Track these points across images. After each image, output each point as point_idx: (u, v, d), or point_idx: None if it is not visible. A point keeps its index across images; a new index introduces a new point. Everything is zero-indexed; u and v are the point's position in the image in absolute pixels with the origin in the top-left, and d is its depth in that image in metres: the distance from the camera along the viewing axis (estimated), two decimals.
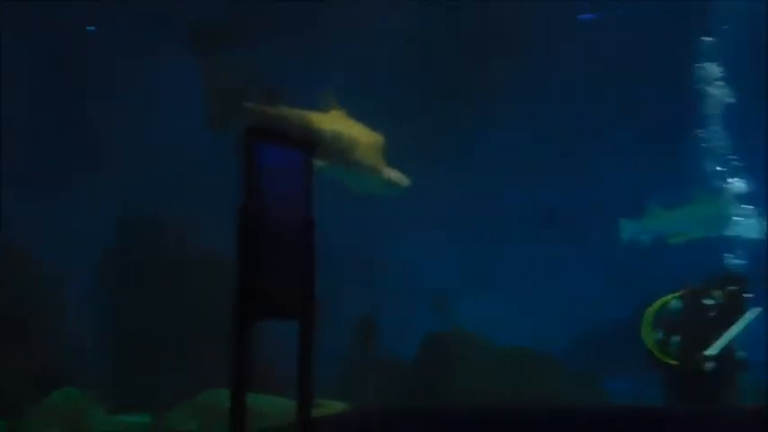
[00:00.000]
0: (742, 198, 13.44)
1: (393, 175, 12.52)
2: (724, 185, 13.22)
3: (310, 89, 12.67)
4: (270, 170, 4.89)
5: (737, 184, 13.23)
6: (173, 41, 13.80)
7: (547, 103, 15.02)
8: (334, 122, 12.14)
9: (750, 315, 10.51)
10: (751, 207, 13.37)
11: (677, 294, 10.96)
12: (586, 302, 14.75)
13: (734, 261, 11.74)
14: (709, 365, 10.38)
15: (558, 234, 15.19)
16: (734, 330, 10.45)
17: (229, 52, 12.67)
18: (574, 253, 15.05)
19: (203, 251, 12.55)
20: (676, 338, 10.76)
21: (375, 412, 9.83)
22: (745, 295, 10.84)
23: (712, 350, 10.36)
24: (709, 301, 10.80)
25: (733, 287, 10.83)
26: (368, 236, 14.70)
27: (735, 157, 13.15)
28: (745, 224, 13.28)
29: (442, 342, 13.06)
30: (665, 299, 10.94)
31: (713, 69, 13.26)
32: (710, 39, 13.17)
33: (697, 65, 13.26)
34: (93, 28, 15.30)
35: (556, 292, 14.86)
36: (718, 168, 13.15)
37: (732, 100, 13.21)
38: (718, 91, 13.25)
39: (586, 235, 14.96)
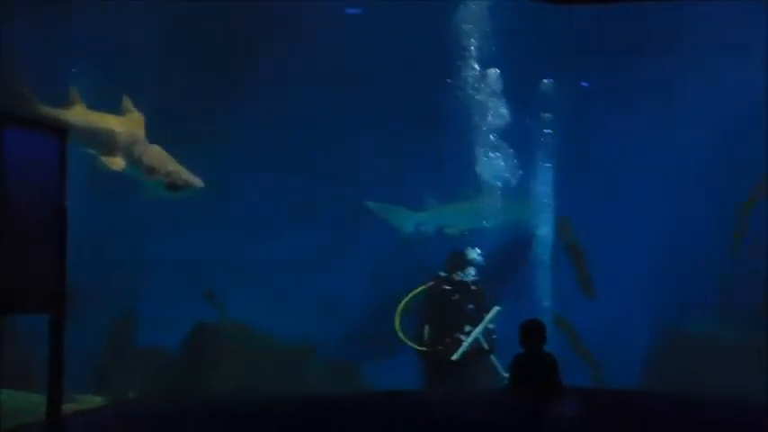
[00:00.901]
0: (509, 193, 14.28)
1: (185, 175, 12.53)
2: (493, 181, 13.90)
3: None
4: (16, 157, 4.68)
5: (506, 180, 13.96)
6: None
7: (314, 96, 15.12)
8: (125, 125, 12.25)
9: (491, 314, 11.07)
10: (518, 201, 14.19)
11: (426, 286, 11.39)
12: (350, 293, 15.13)
13: (478, 251, 12.24)
14: (459, 353, 10.85)
15: (324, 226, 15.41)
16: (476, 332, 10.98)
17: None
18: (339, 246, 15.35)
19: None
20: (427, 328, 11.18)
21: (132, 406, 9.64)
22: (487, 281, 11.47)
23: (456, 356, 10.83)
24: (454, 291, 11.30)
25: (475, 277, 11.42)
26: (132, 232, 14.40)
27: (499, 155, 13.85)
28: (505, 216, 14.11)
29: (209, 333, 12.92)
30: (415, 291, 11.35)
31: (476, 66, 13.88)
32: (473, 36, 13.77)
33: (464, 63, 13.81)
34: None
35: (321, 284, 15.12)
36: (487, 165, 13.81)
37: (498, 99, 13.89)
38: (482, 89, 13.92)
39: (352, 228, 15.29)
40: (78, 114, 11.90)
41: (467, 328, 11.09)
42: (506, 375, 11.10)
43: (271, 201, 14.60)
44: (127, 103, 12.41)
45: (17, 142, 4.72)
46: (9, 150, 4.66)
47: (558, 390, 7.10)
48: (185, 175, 12.46)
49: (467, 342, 10.92)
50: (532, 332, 7.16)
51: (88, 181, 12.52)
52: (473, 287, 11.39)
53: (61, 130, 5.24)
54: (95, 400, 10.63)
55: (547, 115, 14.36)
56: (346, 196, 15.41)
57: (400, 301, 11.41)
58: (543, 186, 14.46)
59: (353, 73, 15.01)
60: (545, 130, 14.38)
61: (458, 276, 11.41)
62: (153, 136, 12.68)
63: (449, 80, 13.69)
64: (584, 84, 15.97)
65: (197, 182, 12.54)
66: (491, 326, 11.24)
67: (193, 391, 11.78)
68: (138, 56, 13.45)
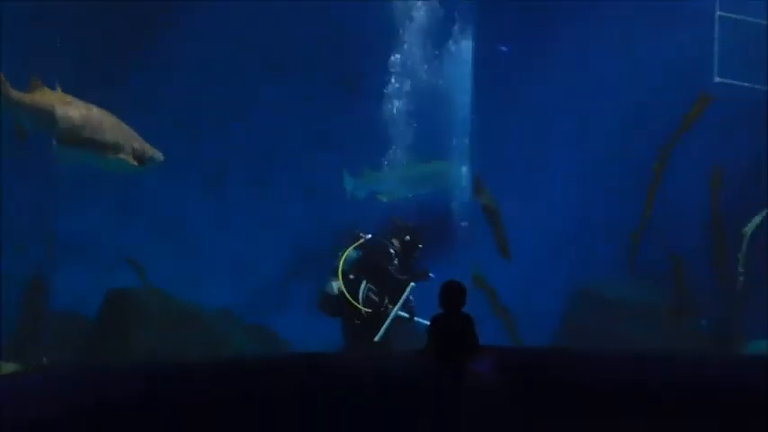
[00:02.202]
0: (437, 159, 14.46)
1: (149, 151, 12.16)
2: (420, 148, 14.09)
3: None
4: None
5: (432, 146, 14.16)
6: None
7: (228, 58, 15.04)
8: (74, 107, 11.70)
9: (408, 292, 11.16)
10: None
11: (357, 244, 11.43)
12: (266, 255, 15.18)
13: (409, 213, 12.37)
14: (380, 335, 10.91)
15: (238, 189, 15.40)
16: (393, 312, 11.06)
17: None
18: (254, 208, 15.36)
19: None
20: (364, 285, 11.22)
21: (46, 371, 9.50)
22: (419, 245, 11.54)
23: (378, 336, 10.91)
24: (389, 248, 11.38)
25: (407, 236, 11.49)
26: (47, 201, 14.19)
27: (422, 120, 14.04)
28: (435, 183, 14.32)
29: (125, 299, 12.75)
30: (349, 249, 11.36)
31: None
32: None
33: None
34: None
35: (236, 247, 15.14)
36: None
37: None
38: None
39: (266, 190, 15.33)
40: (42, 98, 11.54)
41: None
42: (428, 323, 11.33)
43: (186, 165, 14.46)
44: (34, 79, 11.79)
45: None
46: None
47: (474, 349, 7.18)
48: (149, 149, 12.15)
49: (386, 324, 10.99)
50: (452, 293, 7.22)
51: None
52: (406, 252, 11.48)
53: None
54: (8, 367, 10.47)
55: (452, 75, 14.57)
56: (261, 158, 15.40)
57: (333, 262, 11.38)
58: (463, 149, 14.69)
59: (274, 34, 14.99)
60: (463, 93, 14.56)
61: (394, 241, 11.47)
62: None
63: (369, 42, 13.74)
64: (502, 47, 16.12)
65: (159, 156, 12.24)
66: (411, 297, 11.35)
67: (109, 357, 11.64)
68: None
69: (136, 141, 12.00)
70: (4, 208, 12.74)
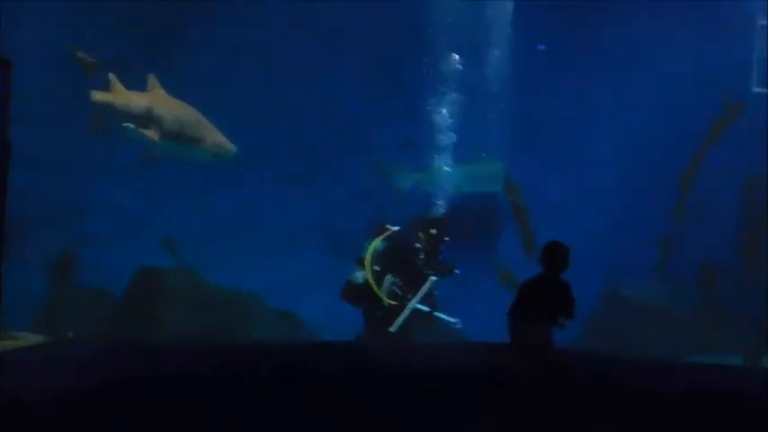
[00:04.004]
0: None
1: (221, 141, 13.12)
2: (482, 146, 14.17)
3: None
4: None
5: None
6: None
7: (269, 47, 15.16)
8: (158, 101, 12.87)
9: (427, 285, 11.16)
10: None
11: (385, 236, 11.45)
12: (299, 242, 15.27)
13: (438, 208, 12.37)
14: (397, 326, 10.93)
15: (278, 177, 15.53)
16: (411, 304, 11.07)
17: None
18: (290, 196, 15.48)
19: None
20: (389, 277, 11.25)
21: (71, 344, 9.65)
22: (445, 238, 11.53)
23: (394, 327, 10.93)
24: (416, 242, 11.40)
25: (433, 230, 11.50)
26: (80, 177, 14.42)
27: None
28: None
29: (153, 277, 12.85)
30: (376, 240, 11.39)
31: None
32: None
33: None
34: None
35: (270, 233, 15.25)
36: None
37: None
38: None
39: (304, 178, 15.44)
40: (122, 96, 12.71)
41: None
42: (455, 321, 11.35)
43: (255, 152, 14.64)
44: (152, 80, 12.95)
45: None
46: None
47: (567, 315, 6.80)
48: (226, 142, 13.13)
49: (403, 315, 11.01)
50: (555, 252, 6.97)
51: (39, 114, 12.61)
52: (432, 245, 11.47)
53: (2, 63, 5.15)
54: (35, 338, 10.61)
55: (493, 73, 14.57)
56: (301, 146, 15.49)
57: (359, 252, 11.42)
58: (502, 149, 14.72)
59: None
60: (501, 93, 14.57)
61: (421, 234, 11.48)
62: None
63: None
64: (539, 46, 16.06)
65: (233, 148, 13.18)
66: (435, 292, 11.35)
67: (134, 334, 11.76)
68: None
69: (216, 135, 13.01)
70: (36, 181, 13.01)
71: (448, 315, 11.31)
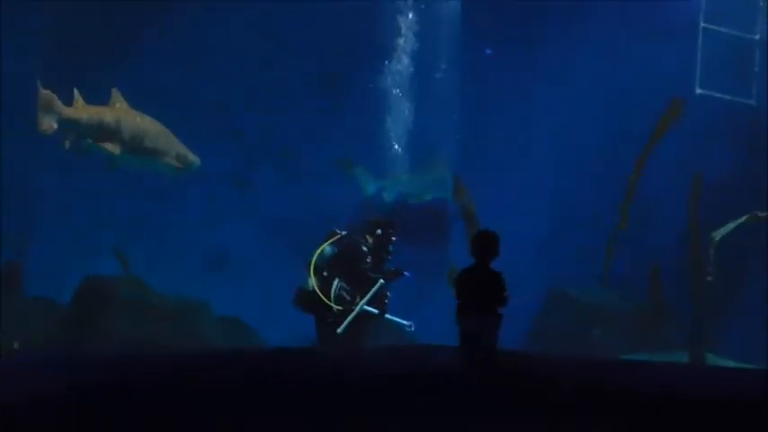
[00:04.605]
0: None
1: (185, 153, 13.27)
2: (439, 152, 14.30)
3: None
4: None
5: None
6: None
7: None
8: (121, 115, 12.84)
9: (375, 288, 11.20)
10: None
11: (332, 240, 11.45)
12: (244, 248, 15.26)
13: (385, 211, 12.44)
14: (343, 327, 10.95)
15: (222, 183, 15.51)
16: (359, 307, 11.10)
17: None
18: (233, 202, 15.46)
19: None
20: (336, 282, 11.25)
21: (17, 354, 9.53)
22: (393, 238, 11.58)
23: (341, 328, 10.95)
24: (363, 246, 11.41)
25: (380, 231, 11.53)
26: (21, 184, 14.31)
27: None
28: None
29: (100, 286, 12.74)
30: (323, 245, 11.39)
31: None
32: None
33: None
34: None
35: (214, 239, 15.22)
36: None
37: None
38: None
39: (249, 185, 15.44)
40: (83, 111, 12.52)
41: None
42: (408, 324, 11.41)
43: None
44: (115, 94, 12.89)
45: None
46: None
47: (501, 303, 6.86)
48: (190, 154, 13.27)
49: (351, 316, 11.03)
50: (485, 242, 7.01)
51: None
52: (379, 247, 11.50)
53: None
54: None
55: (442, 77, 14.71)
56: (248, 154, 15.47)
57: (309, 255, 11.42)
58: (450, 153, 14.86)
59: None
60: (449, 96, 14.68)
61: (368, 237, 11.50)
62: None
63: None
64: (487, 51, 16.21)
65: (197, 160, 13.32)
66: (388, 294, 11.39)
67: (81, 344, 11.64)
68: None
69: (179, 147, 13.15)
70: None
71: (401, 318, 11.36)
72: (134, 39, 14.89)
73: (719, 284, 13.61)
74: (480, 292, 6.87)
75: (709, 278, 13.61)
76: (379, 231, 11.51)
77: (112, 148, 12.54)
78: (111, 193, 14.86)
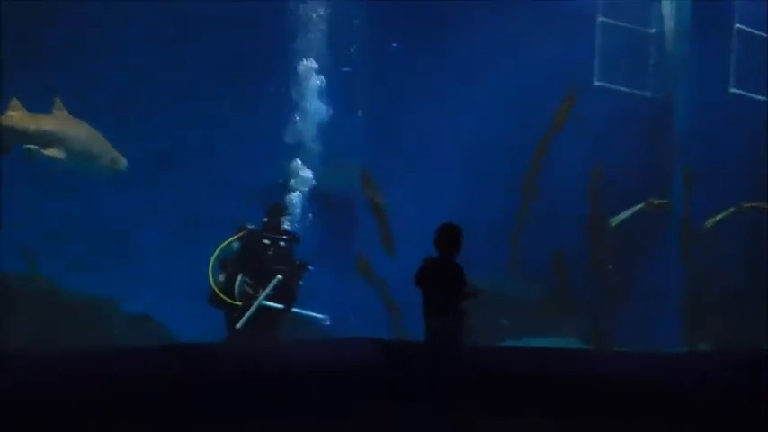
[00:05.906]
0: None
1: (116, 157, 13.58)
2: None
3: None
4: None
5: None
6: None
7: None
8: (61, 123, 13.19)
9: (272, 283, 11.28)
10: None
11: (237, 236, 11.48)
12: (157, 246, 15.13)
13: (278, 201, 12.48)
14: (242, 323, 11.00)
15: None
16: (257, 303, 11.18)
17: None
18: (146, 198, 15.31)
19: None
20: (240, 278, 11.27)
21: None
22: (284, 226, 11.67)
23: (240, 324, 10.99)
24: (265, 240, 11.46)
25: (265, 219, 11.62)
26: None
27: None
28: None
29: (8, 285, 12.55)
30: (227, 241, 11.40)
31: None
32: None
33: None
34: None
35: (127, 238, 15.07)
36: None
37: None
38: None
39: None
40: (27, 120, 12.94)
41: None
42: (323, 317, 11.50)
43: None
44: (57, 102, 13.21)
45: None
46: None
47: (465, 295, 6.92)
48: (117, 156, 13.57)
49: (248, 312, 11.08)
50: (449, 235, 7.04)
51: None
52: (284, 243, 11.53)
53: None
54: None
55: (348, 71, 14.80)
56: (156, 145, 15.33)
57: (211, 252, 11.41)
58: (358, 147, 14.95)
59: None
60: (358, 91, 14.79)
61: (273, 229, 11.53)
62: None
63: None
64: (394, 45, 16.34)
65: (125, 162, 13.63)
66: (301, 282, 11.45)
67: None
68: None
69: (112, 151, 13.51)
70: None
71: (316, 312, 11.45)
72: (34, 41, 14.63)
73: (618, 271, 14.03)
74: (442, 285, 6.94)
75: (609, 266, 14.03)
76: (265, 219, 11.57)
77: (56, 153, 12.95)
78: (14, 190, 14.55)
